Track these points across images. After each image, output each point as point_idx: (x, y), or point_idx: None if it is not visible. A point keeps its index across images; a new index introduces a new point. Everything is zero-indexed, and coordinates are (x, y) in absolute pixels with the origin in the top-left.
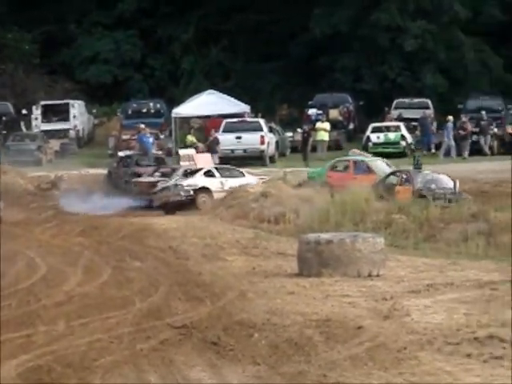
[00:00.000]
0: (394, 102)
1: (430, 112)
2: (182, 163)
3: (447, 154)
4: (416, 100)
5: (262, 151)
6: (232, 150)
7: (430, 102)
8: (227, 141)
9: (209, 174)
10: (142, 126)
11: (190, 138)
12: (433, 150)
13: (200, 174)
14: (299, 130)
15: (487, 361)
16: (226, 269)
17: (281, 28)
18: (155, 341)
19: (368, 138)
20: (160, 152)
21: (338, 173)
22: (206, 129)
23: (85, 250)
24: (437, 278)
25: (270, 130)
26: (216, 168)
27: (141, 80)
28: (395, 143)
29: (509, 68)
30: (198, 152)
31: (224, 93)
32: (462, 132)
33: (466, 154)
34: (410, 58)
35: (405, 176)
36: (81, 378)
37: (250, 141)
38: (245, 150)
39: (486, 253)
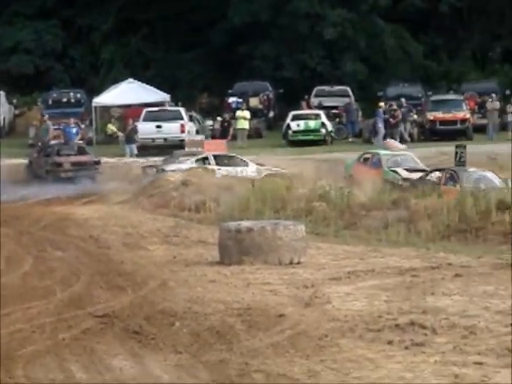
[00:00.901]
0: (314, 90)
1: (351, 99)
2: (187, 149)
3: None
4: (336, 88)
5: (183, 140)
6: (152, 139)
7: (349, 89)
8: (147, 130)
9: (203, 160)
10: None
11: (111, 127)
12: (350, 140)
13: (191, 161)
14: (219, 118)
15: (408, 347)
16: (147, 258)
17: (200, 16)
18: (77, 330)
19: (288, 125)
20: (81, 141)
21: (363, 166)
22: (125, 118)
23: (6, 240)
24: (358, 265)
25: (191, 118)
26: (216, 156)
27: (62, 70)
28: (315, 131)
29: (428, 55)
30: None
31: (144, 82)
32: (392, 120)
33: (406, 137)
34: (329, 45)
35: (449, 174)
36: (3, 367)
37: (170, 130)
38: (165, 139)
39: (406, 240)
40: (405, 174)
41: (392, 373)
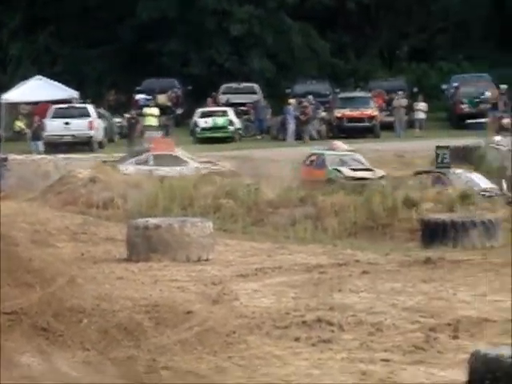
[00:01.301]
0: (222, 87)
1: (259, 97)
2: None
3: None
4: (243, 85)
5: (91, 137)
6: (60, 136)
7: (257, 86)
8: (55, 126)
9: (142, 161)
10: None
11: (19, 124)
12: (258, 137)
13: (130, 162)
14: (126, 115)
15: (315, 344)
16: (55, 255)
17: (108, 13)
18: None
19: (196, 123)
20: None
21: (309, 167)
22: (33, 115)
23: None
24: (265, 262)
25: (99, 115)
26: (156, 156)
27: None
28: (223, 128)
29: (335, 53)
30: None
31: (52, 79)
32: (302, 117)
33: (307, 138)
34: (237, 42)
35: (435, 177)
36: None
37: (78, 126)
38: (73, 136)
39: (313, 237)
40: (347, 172)
41: (299, 369)
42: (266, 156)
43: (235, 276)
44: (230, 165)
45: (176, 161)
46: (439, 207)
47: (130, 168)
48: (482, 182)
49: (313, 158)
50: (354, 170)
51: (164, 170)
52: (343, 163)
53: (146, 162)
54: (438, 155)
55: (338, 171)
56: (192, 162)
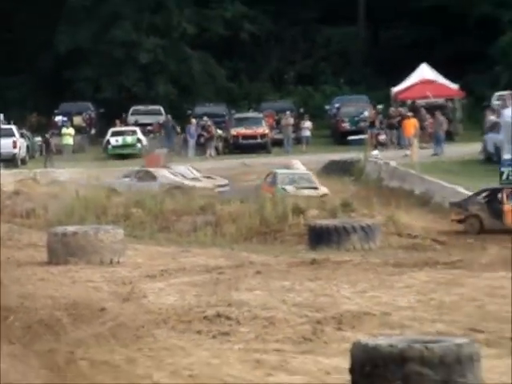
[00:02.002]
0: (131, 109)
1: (166, 117)
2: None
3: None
4: (150, 107)
5: (15, 154)
6: None
7: (162, 108)
8: None
9: (127, 175)
10: None
11: None
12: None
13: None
14: (46, 135)
15: (216, 336)
16: None
17: (29, 44)
18: None
19: (108, 141)
20: None
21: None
22: None
23: None
24: (170, 264)
25: (22, 135)
26: (137, 171)
27: None
28: (132, 145)
29: (231, 78)
30: None
31: None
32: (206, 134)
33: (210, 152)
34: (144, 69)
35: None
36: None
37: (3, 145)
38: None
39: (213, 241)
40: (292, 190)
41: (201, 359)
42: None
43: (143, 277)
44: None
45: (149, 176)
46: (323, 214)
47: (116, 182)
48: None
49: (270, 175)
50: (298, 188)
51: (138, 185)
52: (292, 182)
53: (128, 176)
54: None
55: (284, 189)
56: (160, 177)
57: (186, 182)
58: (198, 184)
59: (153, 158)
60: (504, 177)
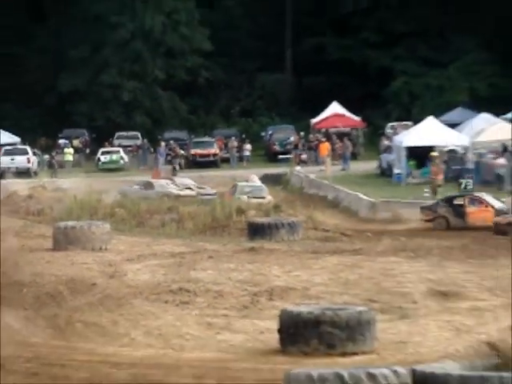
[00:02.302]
0: (116, 135)
1: (142, 141)
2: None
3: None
4: (130, 133)
5: (28, 168)
6: (8, 168)
7: (139, 134)
8: (5, 161)
9: (139, 185)
10: None
11: None
12: (141, 168)
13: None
14: (53, 153)
15: (178, 305)
16: (4, 247)
17: (38, 86)
18: None
19: (99, 158)
20: None
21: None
22: None
23: None
24: (145, 251)
25: (34, 153)
26: (145, 182)
27: None
28: (117, 162)
29: (191, 112)
30: None
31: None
32: (172, 153)
33: (175, 167)
34: (126, 105)
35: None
36: None
37: (20, 161)
38: (17, 168)
39: (177, 234)
40: (245, 199)
41: (167, 322)
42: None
43: (124, 260)
44: None
45: (150, 186)
46: (260, 213)
47: (128, 189)
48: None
49: (233, 186)
50: (249, 197)
51: (142, 192)
52: (247, 192)
53: (138, 185)
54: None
55: (239, 198)
56: (157, 187)
57: (174, 191)
58: (182, 192)
59: (156, 173)
60: (462, 186)
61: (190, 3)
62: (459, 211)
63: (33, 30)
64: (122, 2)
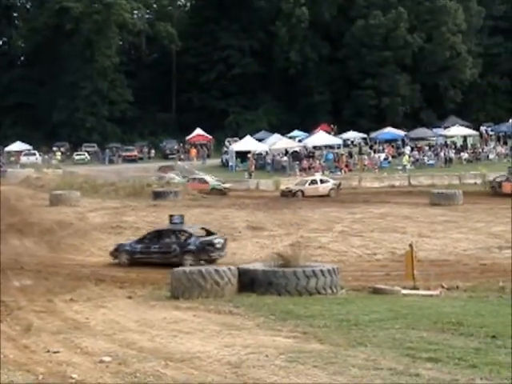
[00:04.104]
0: (83, 145)
1: (96, 148)
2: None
3: None
4: (91, 144)
5: (36, 163)
6: (25, 163)
7: (96, 145)
8: (23, 159)
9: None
10: None
11: None
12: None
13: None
14: (50, 155)
15: (116, 234)
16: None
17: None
18: None
19: (74, 158)
20: None
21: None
22: None
23: None
24: (98, 206)
25: (40, 155)
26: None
27: None
28: (84, 159)
29: (124, 133)
30: None
31: None
32: (112, 155)
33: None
34: (89, 130)
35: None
36: None
37: (32, 159)
38: (30, 163)
39: (115, 197)
40: (214, 183)
41: (111, 243)
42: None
43: (87, 211)
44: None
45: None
46: (159, 186)
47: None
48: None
49: (194, 177)
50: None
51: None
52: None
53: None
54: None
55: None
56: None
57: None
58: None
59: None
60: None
61: None
62: None
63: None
64: None
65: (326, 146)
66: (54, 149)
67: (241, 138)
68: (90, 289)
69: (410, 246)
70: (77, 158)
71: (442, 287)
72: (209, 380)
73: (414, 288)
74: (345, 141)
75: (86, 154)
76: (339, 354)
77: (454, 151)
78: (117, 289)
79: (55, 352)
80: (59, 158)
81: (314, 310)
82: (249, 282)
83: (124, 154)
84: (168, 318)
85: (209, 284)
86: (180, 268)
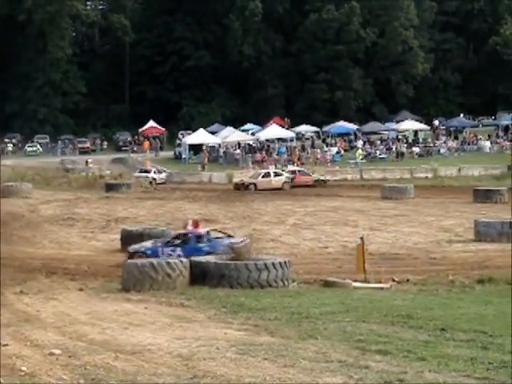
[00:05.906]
0: (35, 137)
1: (47, 140)
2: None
3: None
4: (43, 135)
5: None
6: None
7: (48, 136)
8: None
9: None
10: None
11: None
12: None
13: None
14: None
15: (68, 226)
16: None
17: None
18: None
19: (26, 149)
20: None
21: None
22: None
23: None
24: (50, 198)
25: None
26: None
27: None
28: (36, 151)
29: (76, 125)
30: None
31: None
32: (65, 146)
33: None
34: (41, 121)
35: None
36: None
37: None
38: None
39: (67, 189)
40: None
41: (62, 235)
42: None
43: (39, 203)
44: None
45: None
46: (111, 178)
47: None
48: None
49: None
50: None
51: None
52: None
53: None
54: None
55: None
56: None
57: (68, 166)
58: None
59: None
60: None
61: None
62: None
63: None
64: None
65: (278, 139)
66: (6, 140)
67: (194, 131)
68: (40, 281)
69: (361, 239)
70: (29, 149)
71: (393, 280)
72: (159, 372)
73: (365, 281)
74: (297, 134)
75: (38, 145)
76: (290, 347)
77: (405, 145)
78: (68, 281)
79: (5, 345)
80: (11, 149)
81: (265, 303)
82: (201, 275)
83: (79, 145)
84: (119, 310)
85: (160, 276)
86: (132, 260)
